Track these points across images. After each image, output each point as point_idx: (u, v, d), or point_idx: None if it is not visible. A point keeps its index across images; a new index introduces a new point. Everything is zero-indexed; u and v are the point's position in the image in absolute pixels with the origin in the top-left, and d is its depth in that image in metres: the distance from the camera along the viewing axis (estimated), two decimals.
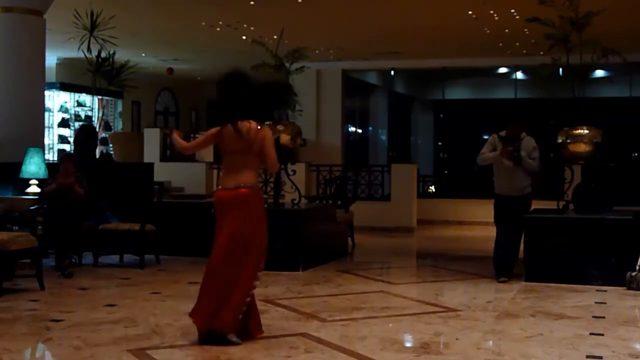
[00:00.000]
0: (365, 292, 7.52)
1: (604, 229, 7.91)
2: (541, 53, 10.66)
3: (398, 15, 12.27)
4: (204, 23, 12.88)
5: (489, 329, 5.88)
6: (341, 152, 17.70)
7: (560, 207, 8.53)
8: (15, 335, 5.47)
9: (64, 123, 16.40)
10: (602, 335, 5.58)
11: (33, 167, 9.18)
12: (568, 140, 8.53)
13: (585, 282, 7.73)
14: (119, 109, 17.98)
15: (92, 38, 10.79)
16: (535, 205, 9.58)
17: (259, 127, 5.46)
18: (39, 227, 8.17)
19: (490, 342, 5.54)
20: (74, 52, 11.23)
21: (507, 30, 13.02)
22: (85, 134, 11.62)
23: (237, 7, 11.69)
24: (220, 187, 5.50)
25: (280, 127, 9.30)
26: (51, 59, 14.64)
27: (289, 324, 5.79)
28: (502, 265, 8.16)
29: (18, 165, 9.18)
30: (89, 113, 16.20)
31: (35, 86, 10.25)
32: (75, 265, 8.55)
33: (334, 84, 17.68)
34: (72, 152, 14.69)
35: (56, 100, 16.36)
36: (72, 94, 16.61)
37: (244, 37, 13.48)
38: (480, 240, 13.14)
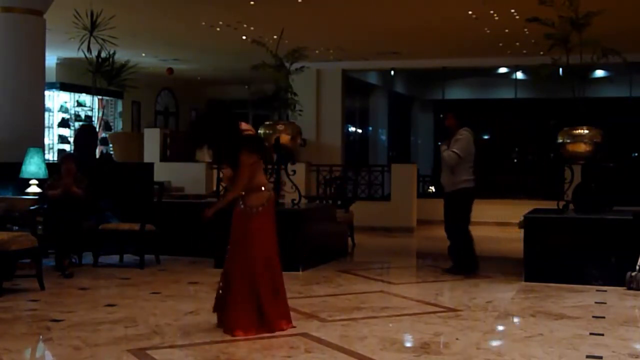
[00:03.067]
0: (365, 292, 7.52)
1: (604, 229, 7.91)
2: (541, 53, 10.65)
3: (398, 15, 12.27)
4: (204, 23, 12.88)
5: (489, 329, 5.88)
6: (341, 152, 17.70)
7: (560, 207, 8.54)
8: (15, 335, 5.47)
9: (64, 123, 16.40)
10: (602, 335, 5.58)
11: (33, 167, 9.18)
12: (568, 140, 8.54)
13: (585, 282, 7.73)
14: (119, 109, 17.98)
15: (92, 38, 10.79)
16: (535, 205, 9.61)
17: None
18: (39, 227, 8.18)
19: (490, 342, 5.54)
20: (74, 52, 11.22)
21: (507, 30, 13.02)
22: (85, 134, 11.62)
23: (237, 7, 11.69)
24: (267, 188, 5.73)
25: (280, 127, 9.30)
26: (51, 59, 14.64)
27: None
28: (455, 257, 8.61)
29: (18, 165, 9.18)
30: (89, 113, 16.21)
31: (35, 86, 10.24)
32: (75, 265, 8.55)
33: (334, 84, 17.68)
34: (72, 152, 14.70)
35: (56, 100, 16.35)
36: (72, 94, 16.61)
37: (244, 37, 13.48)
38: (480, 240, 13.09)
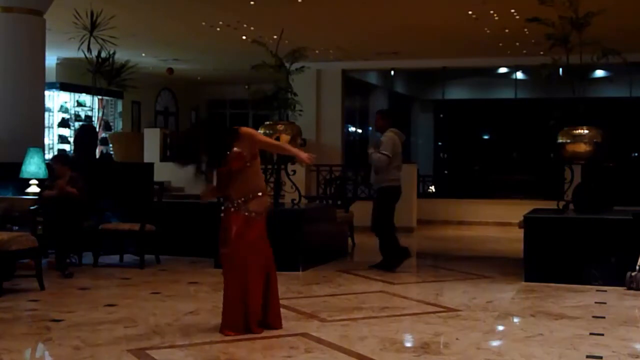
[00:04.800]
0: (365, 292, 7.53)
1: (604, 229, 7.91)
2: (541, 53, 10.65)
3: (398, 15, 12.27)
4: (204, 23, 12.88)
5: (489, 329, 5.88)
6: (341, 152, 17.69)
7: (560, 207, 8.54)
8: (15, 335, 5.47)
9: (64, 123, 16.40)
10: (602, 335, 5.58)
11: (33, 167, 9.18)
12: (568, 140, 8.54)
13: (585, 282, 7.73)
14: (119, 109, 17.97)
15: (92, 38, 10.78)
16: (535, 205, 9.60)
17: None
18: (39, 227, 8.18)
19: (490, 342, 5.54)
20: (74, 52, 11.22)
21: (507, 30, 13.01)
22: (85, 133, 11.62)
23: (237, 7, 11.69)
24: (265, 193, 5.77)
25: (280, 127, 9.31)
26: (51, 59, 14.64)
27: (289, 324, 5.79)
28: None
29: (18, 165, 9.18)
30: (89, 113, 16.20)
31: (35, 86, 10.24)
32: (75, 265, 8.55)
33: (334, 84, 17.67)
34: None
35: (56, 100, 16.35)
36: (72, 94, 16.61)
37: (244, 37, 13.48)
38: (480, 240, 13.16)
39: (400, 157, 9.17)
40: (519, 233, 8.55)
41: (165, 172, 13.05)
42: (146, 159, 13.55)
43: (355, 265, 9.65)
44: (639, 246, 7.63)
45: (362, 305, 6.77)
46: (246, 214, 5.54)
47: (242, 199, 5.55)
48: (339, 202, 11.57)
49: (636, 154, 19.51)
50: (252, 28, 12.95)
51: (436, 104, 21.28)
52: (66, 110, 16.57)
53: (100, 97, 12.30)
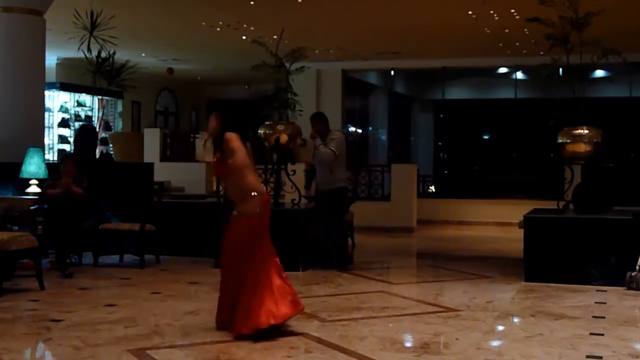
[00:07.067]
0: (365, 292, 7.52)
1: (604, 229, 7.91)
2: (541, 53, 10.66)
3: (398, 15, 12.27)
4: (204, 23, 12.88)
5: (489, 329, 5.88)
6: None
7: (560, 207, 8.55)
8: (15, 335, 5.47)
9: (64, 123, 16.40)
10: (602, 335, 5.58)
11: (33, 167, 9.17)
12: (568, 140, 8.54)
13: (585, 282, 7.74)
14: (119, 109, 17.98)
15: (92, 38, 10.79)
16: (535, 205, 9.59)
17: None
18: (39, 227, 8.17)
19: (490, 342, 5.54)
20: (74, 52, 11.23)
21: (507, 30, 13.02)
22: (85, 133, 11.62)
23: (237, 7, 11.70)
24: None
25: (280, 127, 9.30)
26: (51, 59, 14.64)
27: (289, 324, 5.79)
28: (327, 253, 8.89)
29: (18, 165, 9.18)
30: (89, 113, 16.20)
31: (35, 86, 10.24)
32: (75, 265, 8.55)
33: (334, 84, 17.67)
34: (71, 152, 14.70)
35: (56, 100, 16.35)
36: (72, 94, 16.61)
37: (244, 37, 13.49)
38: (480, 240, 13.16)
39: (344, 158, 9.23)
40: (519, 233, 8.55)
41: (165, 172, 13.06)
42: (146, 159, 13.53)
43: (355, 265, 9.64)
44: (639, 246, 7.63)
45: (362, 305, 6.77)
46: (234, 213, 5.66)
47: (236, 200, 5.69)
48: None
49: (636, 154, 19.49)
50: (252, 28, 12.95)
51: (436, 104, 21.27)
52: (66, 110, 16.58)
53: (100, 97, 12.31)
